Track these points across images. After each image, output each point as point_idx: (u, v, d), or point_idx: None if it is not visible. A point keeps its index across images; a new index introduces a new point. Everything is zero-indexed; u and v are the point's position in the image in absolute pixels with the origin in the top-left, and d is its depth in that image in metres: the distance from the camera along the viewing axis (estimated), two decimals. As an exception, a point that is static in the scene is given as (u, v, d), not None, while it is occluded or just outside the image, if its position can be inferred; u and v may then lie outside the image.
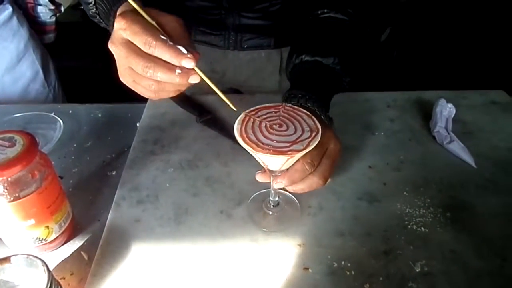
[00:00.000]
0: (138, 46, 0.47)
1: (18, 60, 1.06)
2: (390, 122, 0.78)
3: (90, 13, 0.68)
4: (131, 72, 0.50)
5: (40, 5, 1.13)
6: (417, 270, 0.52)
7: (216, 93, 0.50)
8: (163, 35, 0.47)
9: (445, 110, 0.74)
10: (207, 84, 0.49)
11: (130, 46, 0.48)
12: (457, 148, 0.69)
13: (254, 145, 0.48)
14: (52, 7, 1.16)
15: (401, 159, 0.69)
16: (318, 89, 0.64)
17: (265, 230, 0.57)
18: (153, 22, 0.48)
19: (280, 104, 0.55)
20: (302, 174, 0.53)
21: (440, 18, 2.20)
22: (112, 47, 0.50)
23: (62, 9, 1.22)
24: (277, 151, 0.47)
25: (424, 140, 0.73)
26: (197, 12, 0.85)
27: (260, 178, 0.57)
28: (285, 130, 0.50)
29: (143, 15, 0.48)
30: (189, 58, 0.46)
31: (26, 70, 1.08)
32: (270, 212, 0.60)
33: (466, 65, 2.13)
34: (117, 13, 0.54)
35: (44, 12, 1.14)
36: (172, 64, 0.47)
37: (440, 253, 0.54)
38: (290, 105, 0.55)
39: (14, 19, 1.04)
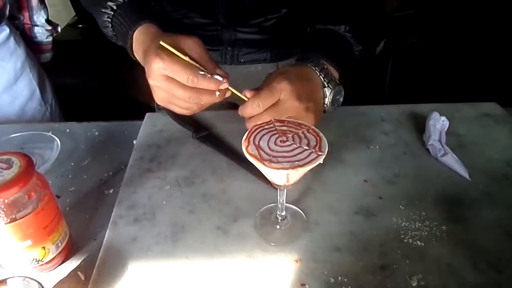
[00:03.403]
0: (180, 81, 0.57)
1: (16, 80, 1.07)
2: (385, 135, 0.79)
3: (109, 35, 0.76)
4: (170, 98, 0.60)
5: (37, 26, 1.15)
6: (414, 285, 0.52)
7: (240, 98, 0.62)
8: (201, 70, 0.57)
9: (438, 123, 0.75)
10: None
11: (171, 80, 0.57)
12: (451, 160, 0.70)
13: (275, 165, 0.49)
14: (49, 28, 1.17)
15: (396, 173, 0.70)
16: (328, 51, 0.71)
17: (272, 244, 0.58)
18: (188, 59, 0.57)
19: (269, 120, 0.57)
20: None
21: (433, 31, 2.23)
22: (152, 82, 0.59)
23: (59, 29, 1.23)
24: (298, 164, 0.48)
25: (418, 153, 0.74)
26: (194, 29, 0.86)
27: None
28: (293, 141, 0.52)
29: (179, 55, 0.57)
30: (225, 82, 0.58)
31: (23, 89, 1.09)
32: (278, 226, 0.61)
33: (459, 77, 2.15)
34: (151, 50, 0.60)
35: (41, 32, 1.16)
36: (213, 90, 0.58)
37: (437, 266, 0.54)
38: (280, 119, 0.57)
39: (12, 39, 1.05)
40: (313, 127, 0.55)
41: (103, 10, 0.71)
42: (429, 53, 2.23)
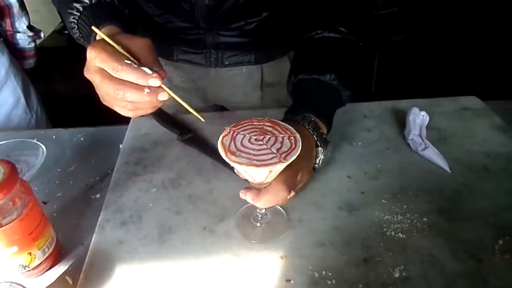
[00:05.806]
0: (108, 72, 0.52)
1: (0, 88, 1.07)
2: (367, 132, 0.80)
3: (75, 36, 0.74)
4: (107, 96, 0.54)
5: (19, 32, 1.14)
6: (396, 276, 0.53)
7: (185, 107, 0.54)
8: (128, 60, 0.52)
9: (418, 118, 0.76)
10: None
11: (102, 72, 0.52)
12: (432, 154, 0.71)
13: (234, 158, 0.49)
14: (31, 34, 1.17)
15: (379, 168, 0.71)
16: (316, 106, 0.68)
17: (254, 242, 0.59)
18: (119, 48, 0.53)
19: (262, 118, 0.56)
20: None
21: (418, 28, 2.26)
22: (87, 74, 0.55)
23: (42, 35, 1.23)
24: (260, 163, 0.48)
25: (400, 148, 0.76)
26: (176, 33, 0.87)
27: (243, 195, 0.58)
28: (266, 143, 0.51)
29: (109, 42, 0.53)
30: (154, 77, 0.51)
31: (8, 97, 1.09)
32: (258, 224, 0.61)
33: (444, 72, 2.18)
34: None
35: (23, 39, 1.16)
36: (141, 85, 0.51)
37: (418, 257, 0.55)
38: (272, 119, 0.56)
39: (-5, 47, 1.05)
40: (297, 135, 0.53)
41: (69, 11, 0.70)
42: (415, 50, 2.26)
